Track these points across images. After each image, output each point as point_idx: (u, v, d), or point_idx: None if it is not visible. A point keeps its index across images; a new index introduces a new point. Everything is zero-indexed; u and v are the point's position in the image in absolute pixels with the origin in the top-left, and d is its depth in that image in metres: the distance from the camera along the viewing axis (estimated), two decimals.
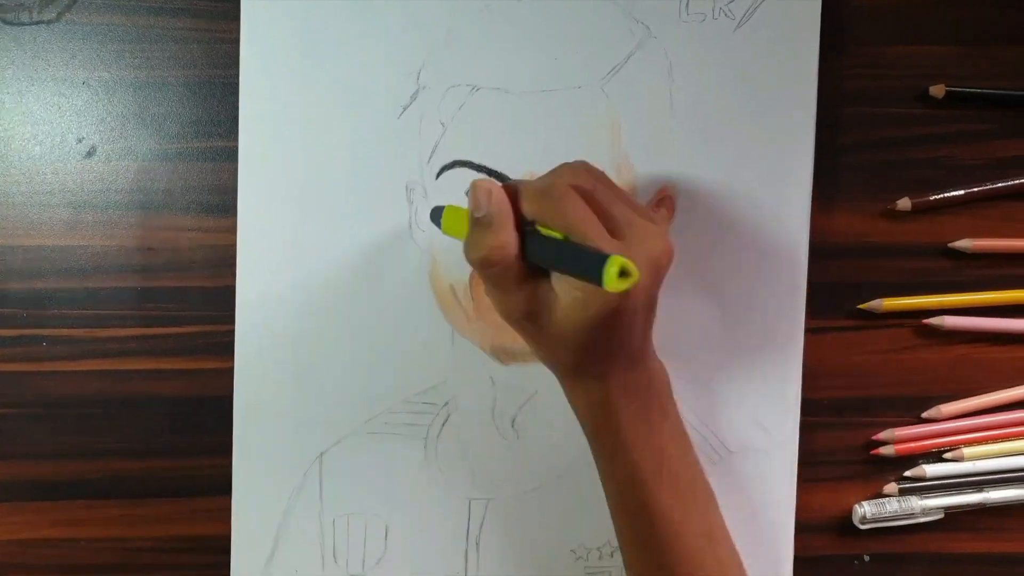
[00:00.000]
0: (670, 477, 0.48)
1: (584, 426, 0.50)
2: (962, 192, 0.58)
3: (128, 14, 0.54)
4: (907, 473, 0.59)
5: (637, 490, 0.48)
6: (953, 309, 0.58)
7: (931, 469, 0.59)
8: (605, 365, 0.47)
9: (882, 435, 0.59)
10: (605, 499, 0.51)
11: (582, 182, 0.46)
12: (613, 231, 0.45)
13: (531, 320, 0.46)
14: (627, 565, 0.51)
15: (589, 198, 0.45)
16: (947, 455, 0.59)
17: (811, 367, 0.57)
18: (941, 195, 0.58)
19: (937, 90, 0.57)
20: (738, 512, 0.56)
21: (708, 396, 0.57)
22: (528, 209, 0.46)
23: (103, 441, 0.57)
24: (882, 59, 0.57)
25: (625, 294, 0.42)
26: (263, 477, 0.56)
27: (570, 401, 0.50)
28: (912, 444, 0.59)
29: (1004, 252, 0.58)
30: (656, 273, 0.46)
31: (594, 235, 0.44)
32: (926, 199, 0.57)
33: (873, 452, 0.59)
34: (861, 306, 0.58)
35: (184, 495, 0.57)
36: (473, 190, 0.46)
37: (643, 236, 0.45)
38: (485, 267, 0.46)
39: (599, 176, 0.49)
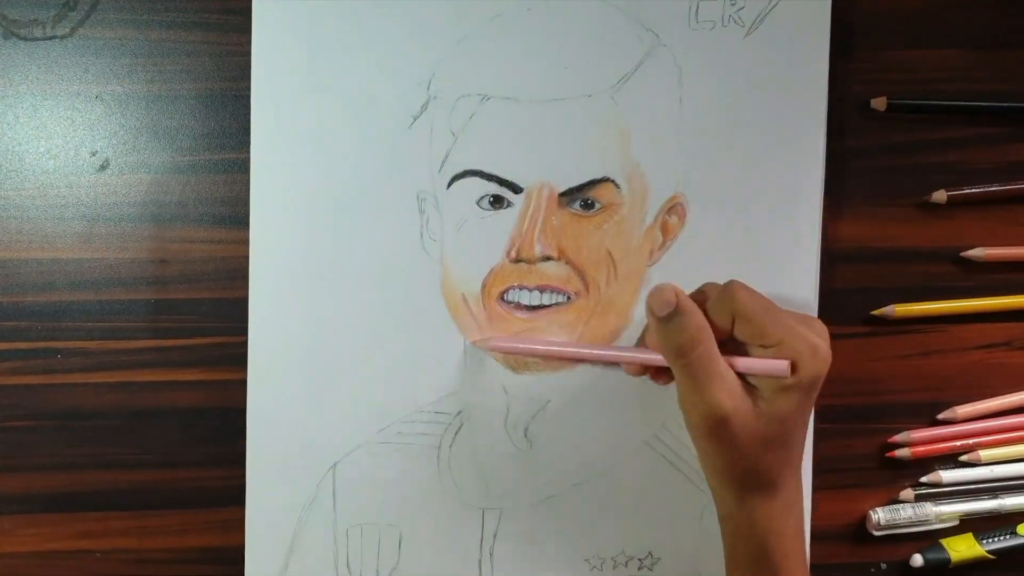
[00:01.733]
0: None
1: (736, 550, 0.50)
2: (995, 188, 0.58)
3: (140, 28, 0.55)
4: (923, 479, 0.59)
5: None
6: (966, 315, 0.58)
7: (947, 475, 0.58)
8: (783, 484, 0.48)
9: (898, 438, 0.59)
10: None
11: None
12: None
13: (729, 423, 0.46)
14: None
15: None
16: (963, 457, 0.59)
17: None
18: (976, 190, 0.58)
19: (878, 103, 0.57)
20: None
21: None
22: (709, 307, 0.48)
23: (117, 453, 0.57)
24: (892, 64, 0.57)
25: (826, 368, 0.46)
26: (276, 488, 0.56)
27: (732, 523, 0.50)
28: (928, 447, 0.58)
29: (1017, 260, 0.58)
30: (829, 348, 0.47)
31: (783, 313, 0.47)
32: (961, 191, 0.57)
33: (889, 455, 0.59)
34: (875, 312, 0.58)
35: (198, 506, 0.57)
36: (655, 292, 0.47)
37: (809, 320, 0.48)
38: (691, 349, 0.47)
39: None
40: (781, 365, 0.46)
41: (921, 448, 0.58)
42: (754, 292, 0.48)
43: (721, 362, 0.47)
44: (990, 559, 0.58)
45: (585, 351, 0.55)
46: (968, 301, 0.58)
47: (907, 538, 0.59)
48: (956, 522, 0.58)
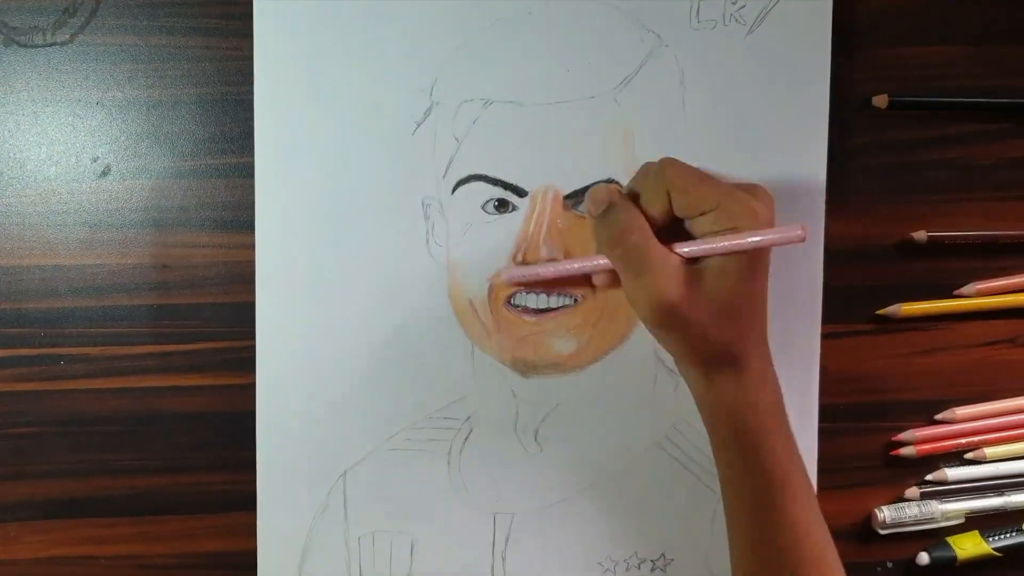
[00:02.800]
0: (801, 485, 0.49)
1: (717, 431, 0.50)
2: (974, 234, 0.58)
3: (140, 34, 0.55)
4: (928, 477, 0.59)
5: (771, 498, 0.48)
6: (971, 313, 0.58)
7: (953, 472, 0.59)
8: (749, 357, 0.48)
9: (903, 436, 0.59)
10: (723, 504, 0.51)
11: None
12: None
13: (676, 306, 0.47)
14: (742, 571, 0.50)
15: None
16: (969, 455, 0.59)
17: (828, 372, 0.57)
18: (956, 233, 0.58)
19: (880, 100, 0.57)
20: None
21: None
22: (640, 185, 0.49)
23: (122, 458, 0.57)
24: (893, 61, 0.57)
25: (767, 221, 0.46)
26: (288, 495, 0.56)
27: (707, 403, 0.50)
28: (933, 444, 0.59)
29: (1003, 291, 0.59)
30: (772, 211, 0.48)
31: (720, 183, 0.47)
32: (941, 235, 0.58)
33: (893, 453, 0.59)
34: (880, 312, 0.58)
35: (203, 511, 0.57)
36: (591, 193, 0.50)
37: (752, 188, 0.48)
38: (625, 238, 0.47)
39: None
40: (734, 239, 0.46)
41: (926, 446, 0.59)
42: (686, 164, 0.48)
43: (658, 247, 0.47)
44: (997, 556, 0.58)
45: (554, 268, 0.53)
46: (974, 300, 0.58)
47: (913, 536, 0.59)
48: (962, 520, 0.59)
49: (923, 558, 0.59)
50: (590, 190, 0.50)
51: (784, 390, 0.56)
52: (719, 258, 0.46)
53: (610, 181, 0.55)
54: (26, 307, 0.56)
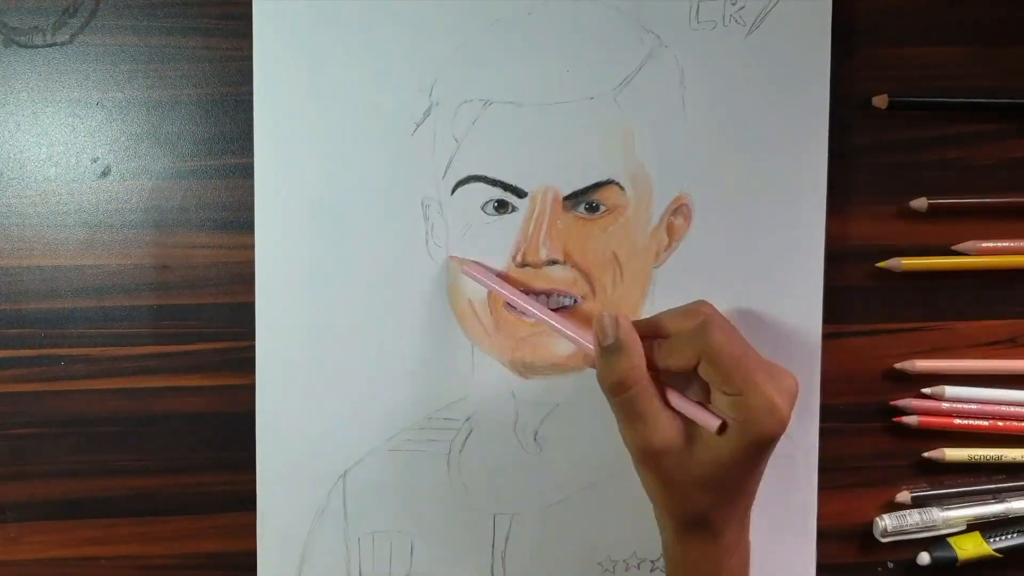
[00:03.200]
0: None
1: None
2: (975, 200, 0.58)
3: (140, 35, 0.55)
4: (926, 454, 0.59)
5: None
6: (970, 280, 0.59)
7: (952, 452, 0.58)
8: (722, 528, 0.48)
9: (901, 403, 0.59)
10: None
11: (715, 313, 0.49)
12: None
13: (669, 453, 0.47)
14: None
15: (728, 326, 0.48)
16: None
17: (828, 372, 0.57)
18: (957, 200, 0.58)
19: (880, 100, 0.57)
20: (762, 520, 0.56)
21: None
22: (672, 331, 0.49)
23: (122, 459, 0.57)
24: (893, 61, 0.57)
25: (782, 428, 0.45)
26: (287, 496, 0.56)
27: (670, 557, 0.50)
28: (935, 418, 0.59)
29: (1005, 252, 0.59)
30: (791, 411, 0.47)
31: (752, 364, 0.46)
32: (943, 201, 0.57)
33: (896, 419, 0.59)
34: (880, 264, 0.58)
35: (204, 512, 0.57)
36: (598, 321, 0.48)
37: (779, 374, 0.47)
38: (622, 390, 0.48)
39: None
40: (712, 421, 0.46)
41: (928, 419, 0.59)
42: (732, 335, 0.47)
43: (655, 402, 0.47)
44: (997, 558, 0.58)
45: (548, 320, 0.53)
46: (974, 258, 0.58)
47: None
48: (963, 527, 0.58)
49: (924, 558, 0.58)
50: (596, 317, 0.49)
51: None
52: (729, 428, 0.46)
53: (610, 182, 0.55)
54: (26, 308, 0.56)
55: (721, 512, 0.48)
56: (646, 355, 0.48)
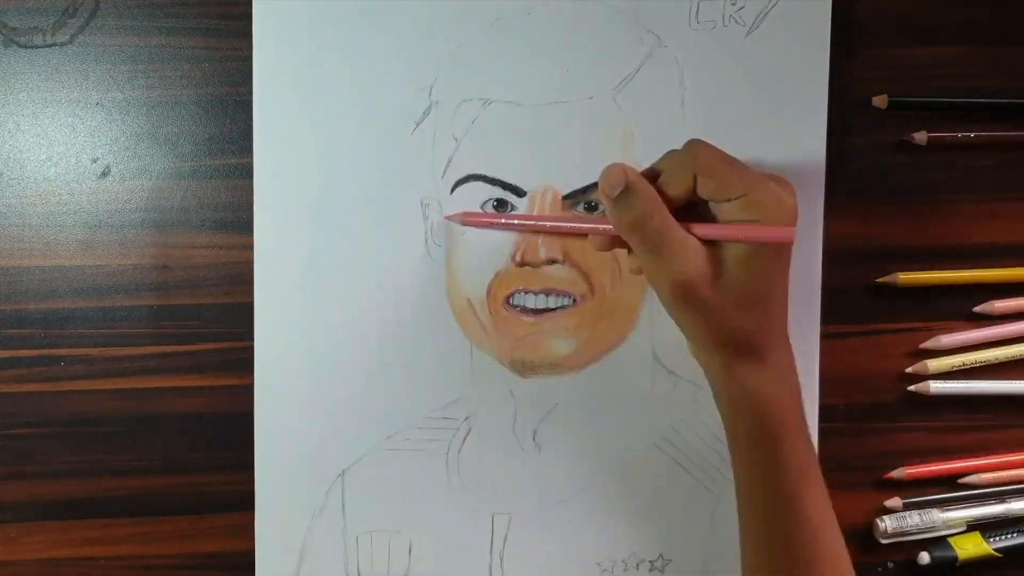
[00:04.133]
0: (818, 479, 0.49)
1: (737, 424, 0.49)
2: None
3: (140, 35, 0.55)
4: (911, 388, 0.59)
5: (792, 486, 0.48)
6: (969, 285, 0.58)
7: (936, 385, 0.58)
8: (770, 347, 0.48)
9: (894, 474, 0.59)
10: (737, 497, 0.50)
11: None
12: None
13: (703, 280, 0.46)
14: (754, 567, 0.50)
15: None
16: (963, 480, 0.59)
17: (828, 372, 0.57)
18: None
19: (880, 101, 0.57)
20: None
21: None
22: (665, 165, 0.48)
23: (121, 459, 0.57)
24: (892, 61, 0.57)
25: (794, 225, 0.46)
26: (286, 495, 0.56)
27: (726, 393, 0.49)
28: (923, 468, 0.59)
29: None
30: (796, 202, 0.47)
31: (739, 168, 0.46)
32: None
33: (887, 476, 0.59)
34: (879, 280, 0.58)
35: (203, 512, 0.57)
36: (605, 173, 0.48)
37: (778, 178, 0.48)
38: (644, 223, 0.47)
39: None
40: (738, 231, 0.46)
41: (916, 470, 0.59)
42: (716, 148, 0.47)
43: (679, 230, 0.46)
44: (997, 557, 0.58)
45: (550, 224, 0.54)
46: (972, 272, 0.58)
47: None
48: (963, 528, 0.58)
49: (924, 558, 0.58)
50: (605, 169, 0.48)
51: None
52: (744, 245, 0.46)
53: None
54: (26, 308, 0.56)
55: (764, 331, 0.48)
56: None
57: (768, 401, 0.48)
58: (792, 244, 0.46)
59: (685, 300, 0.47)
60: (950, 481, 0.60)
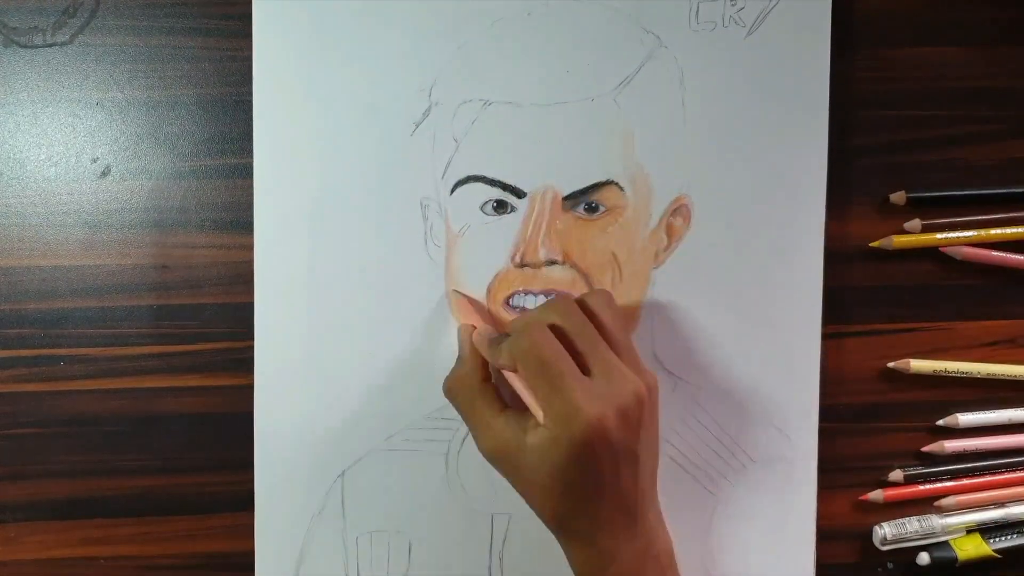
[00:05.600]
0: None
1: None
2: (960, 193, 0.58)
3: (140, 35, 0.55)
4: (939, 422, 0.59)
5: None
6: (970, 314, 0.59)
7: (966, 418, 0.58)
8: (596, 528, 0.48)
9: (870, 496, 0.59)
10: None
11: (562, 321, 0.48)
12: (583, 369, 0.47)
13: (507, 459, 0.48)
14: None
15: (563, 336, 0.48)
16: (939, 503, 0.59)
17: (828, 372, 0.57)
18: (938, 193, 0.58)
19: (898, 198, 0.57)
20: (760, 521, 0.56)
21: (727, 405, 0.57)
22: (501, 349, 0.49)
23: (121, 459, 0.57)
24: (893, 62, 0.57)
25: (595, 433, 0.45)
26: (285, 496, 0.56)
27: (567, 559, 0.50)
28: (902, 490, 0.59)
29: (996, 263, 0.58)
30: (625, 418, 0.47)
31: (561, 369, 0.46)
32: (921, 195, 0.57)
33: (862, 498, 0.59)
34: (873, 244, 0.58)
35: (203, 512, 0.57)
36: (459, 333, 0.53)
37: (613, 379, 0.47)
38: (450, 397, 0.52)
39: (598, 310, 0.50)
40: (536, 410, 0.47)
41: (895, 492, 0.59)
42: (542, 337, 0.47)
43: (483, 410, 0.49)
44: (996, 558, 0.58)
45: None
46: (973, 231, 0.58)
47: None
48: (963, 533, 0.58)
49: (923, 558, 0.58)
50: (458, 327, 0.53)
51: (784, 390, 0.56)
52: (542, 432, 0.47)
53: (609, 182, 0.55)
54: (26, 308, 0.56)
55: (582, 517, 0.48)
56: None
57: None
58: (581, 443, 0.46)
59: (496, 467, 0.49)
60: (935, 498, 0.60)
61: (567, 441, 0.45)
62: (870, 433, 0.59)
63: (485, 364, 0.51)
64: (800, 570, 0.58)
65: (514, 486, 0.49)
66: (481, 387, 0.50)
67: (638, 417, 0.47)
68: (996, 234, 0.57)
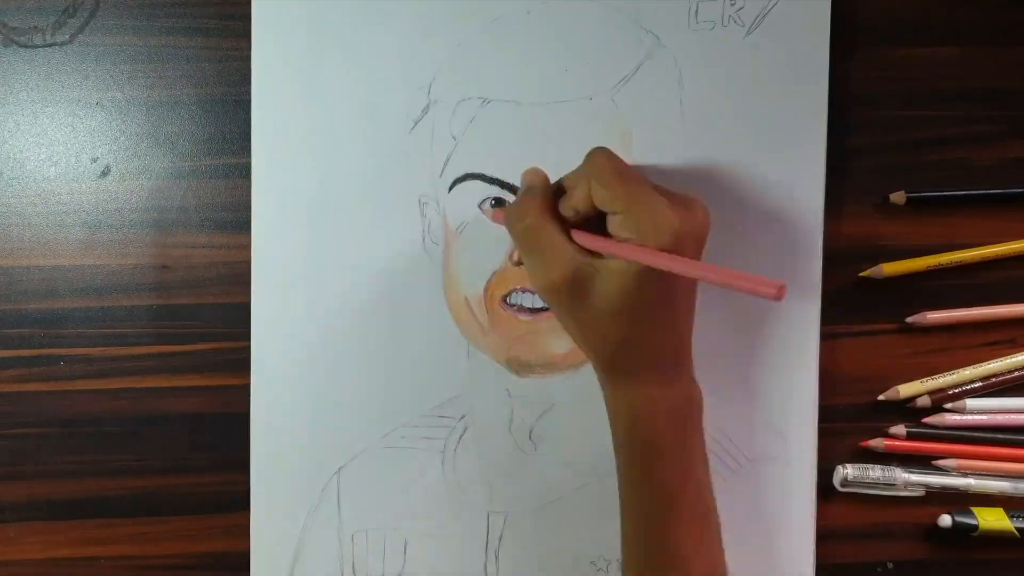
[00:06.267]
0: (688, 507, 0.48)
1: (615, 434, 0.50)
2: (960, 193, 0.58)
3: (140, 35, 0.55)
4: (948, 406, 0.59)
5: (654, 515, 0.48)
6: (953, 267, 0.58)
7: (973, 404, 0.58)
8: (646, 366, 0.48)
9: (872, 443, 0.59)
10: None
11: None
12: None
13: (575, 286, 0.46)
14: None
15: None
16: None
17: (828, 372, 0.57)
18: (938, 193, 0.58)
19: (898, 198, 0.57)
20: (758, 521, 0.56)
21: (725, 404, 0.56)
22: (571, 179, 0.48)
23: (121, 459, 0.57)
24: (893, 62, 0.57)
25: (678, 248, 0.43)
26: (281, 494, 0.56)
27: (607, 407, 0.50)
28: (902, 443, 0.59)
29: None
30: (698, 244, 0.47)
31: (643, 183, 0.46)
32: (921, 195, 0.57)
33: (863, 444, 0.59)
34: (863, 274, 0.58)
35: (202, 512, 0.57)
36: (523, 173, 0.51)
37: (688, 203, 0.47)
38: (517, 221, 0.48)
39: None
40: (612, 246, 0.45)
41: (894, 443, 0.58)
42: (615, 159, 0.47)
43: (554, 236, 0.46)
44: (1015, 536, 0.57)
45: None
46: (954, 253, 0.58)
47: (914, 535, 0.59)
48: (921, 492, 0.58)
49: (945, 520, 0.58)
50: (525, 170, 0.51)
51: (784, 390, 0.56)
52: (620, 262, 0.45)
53: None
54: (25, 308, 0.56)
55: (638, 348, 0.47)
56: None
57: (642, 416, 0.48)
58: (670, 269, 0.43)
59: (554, 302, 0.47)
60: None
61: (646, 268, 0.44)
62: (869, 433, 0.59)
63: (551, 196, 0.49)
64: (799, 570, 0.57)
65: (571, 321, 0.48)
66: (551, 214, 0.47)
67: (702, 246, 0.47)
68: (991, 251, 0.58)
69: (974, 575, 0.60)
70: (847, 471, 0.58)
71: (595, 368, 0.50)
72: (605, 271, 0.45)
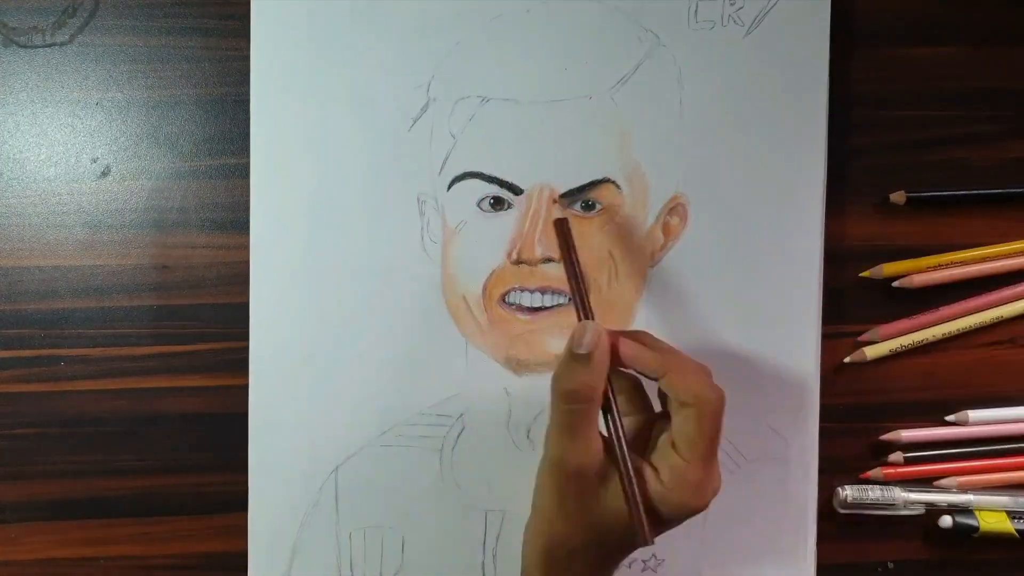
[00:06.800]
0: None
1: None
2: (959, 193, 0.58)
3: (140, 35, 0.55)
4: (948, 417, 0.59)
5: None
6: (953, 284, 0.58)
7: (975, 415, 0.58)
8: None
9: (871, 474, 0.59)
10: None
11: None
12: None
13: (585, 476, 0.46)
14: None
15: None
16: (938, 482, 0.59)
17: (828, 373, 0.57)
18: (938, 193, 0.58)
19: (898, 197, 0.57)
20: (758, 522, 0.56)
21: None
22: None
23: (120, 459, 0.57)
24: (893, 62, 0.57)
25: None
26: (279, 492, 0.56)
27: None
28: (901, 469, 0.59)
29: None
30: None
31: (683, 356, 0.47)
32: (921, 195, 0.57)
33: (862, 476, 0.59)
34: (863, 274, 0.58)
35: (202, 512, 0.57)
36: (580, 328, 0.46)
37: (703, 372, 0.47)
38: (571, 400, 0.46)
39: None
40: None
41: (894, 471, 0.59)
42: (640, 338, 0.47)
43: (593, 425, 0.46)
44: (1015, 538, 0.58)
45: None
46: (950, 263, 0.58)
47: (915, 536, 0.59)
48: (922, 511, 0.58)
49: (946, 520, 0.58)
50: (580, 324, 0.46)
51: (784, 390, 0.56)
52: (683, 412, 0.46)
53: (606, 180, 0.55)
54: (26, 308, 0.56)
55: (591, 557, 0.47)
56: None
57: None
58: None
59: (555, 479, 0.47)
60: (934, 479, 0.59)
61: (711, 411, 0.45)
62: (870, 433, 0.59)
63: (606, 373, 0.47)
64: (800, 570, 0.57)
65: (576, 504, 0.47)
66: (600, 398, 0.46)
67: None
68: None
69: (975, 571, 0.60)
70: (847, 492, 0.58)
71: (531, 551, 0.49)
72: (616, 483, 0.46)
